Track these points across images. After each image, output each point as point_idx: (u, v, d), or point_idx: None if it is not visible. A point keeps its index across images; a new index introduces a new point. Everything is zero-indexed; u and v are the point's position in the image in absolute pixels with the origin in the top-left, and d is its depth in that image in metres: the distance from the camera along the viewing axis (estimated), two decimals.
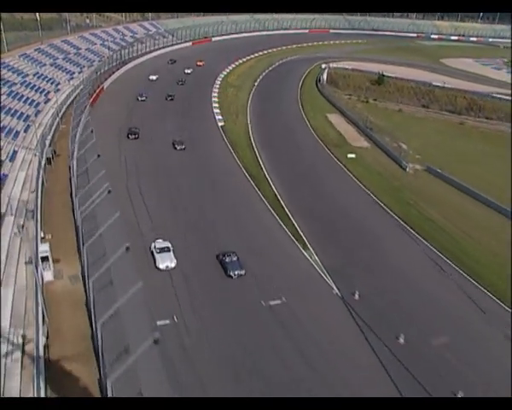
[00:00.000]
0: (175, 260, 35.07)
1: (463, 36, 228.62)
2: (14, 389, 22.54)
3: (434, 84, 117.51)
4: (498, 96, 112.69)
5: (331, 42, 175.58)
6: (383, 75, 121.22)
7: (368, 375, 27.72)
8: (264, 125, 73.86)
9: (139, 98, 78.44)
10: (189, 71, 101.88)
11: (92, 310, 26.36)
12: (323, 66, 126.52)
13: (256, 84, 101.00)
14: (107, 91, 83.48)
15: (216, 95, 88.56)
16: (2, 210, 36.51)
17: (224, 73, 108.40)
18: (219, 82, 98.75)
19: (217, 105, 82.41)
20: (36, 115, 60.52)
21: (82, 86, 71.31)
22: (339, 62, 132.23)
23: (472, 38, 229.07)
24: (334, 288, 35.02)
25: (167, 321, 29.53)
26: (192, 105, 79.36)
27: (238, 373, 26.65)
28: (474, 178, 58.97)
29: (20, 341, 25.54)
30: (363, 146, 70.71)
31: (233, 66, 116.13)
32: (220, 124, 72.37)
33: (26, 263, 32.29)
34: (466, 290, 37.07)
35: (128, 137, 61.49)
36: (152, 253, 35.81)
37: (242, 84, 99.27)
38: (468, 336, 32.05)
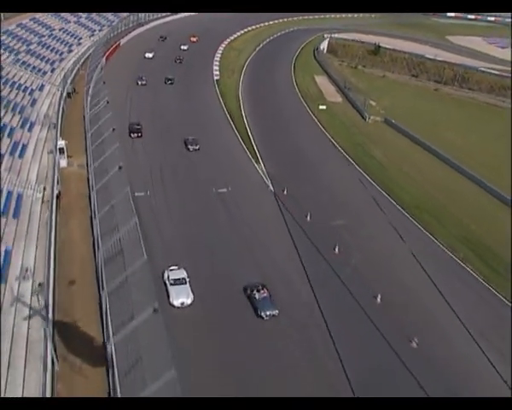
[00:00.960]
0: (191, 296, 30.83)
1: (481, 15, 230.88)
2: (34, 214, 35.73)
3: (426, 56, 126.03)
4: (486, 70, 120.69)
5: (343, 15, 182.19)
6: (379, 46, 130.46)
7: (278, 239, 39.87)
8: (254, 81, 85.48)
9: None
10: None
11: (91, 182, 39.43)
12: (326, 36, 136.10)
13: (257, 49, 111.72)
14: (123, 47, 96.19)
15: (219, 56, 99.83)
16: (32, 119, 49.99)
17: (232, 38, 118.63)
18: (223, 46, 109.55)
19: (217, 63, 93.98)
20: (60, 62, 73.74)
21: (99, 41, 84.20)
22: (343, 34, 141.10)
23: (490, 18, 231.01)
24: (270, 186, 47.42)
25: (142, 193, 42.41)
26: (195, 65, 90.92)
27: (184, 221, 39.56)
28: (422, 130, 69.65)
29: (42, 192, 38.90)
30: (336, 101, 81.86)
31: (239, 33, 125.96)
32: (216, 78, 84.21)
33: (48, 153, 45.71)
34: (377, 199, 48.60)
35: (137, 84, 74.24)
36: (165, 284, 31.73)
37: (245, 48, 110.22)
38: (361, 223, 44.00)
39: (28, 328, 24.72)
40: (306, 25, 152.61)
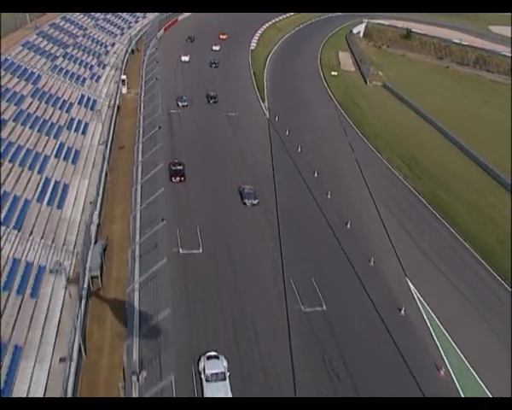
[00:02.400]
0: (230, 393, 25.70)
1: None
2: (103, 112, 56.13)
3: (453, 40, 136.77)
4: (507, 54, 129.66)
5: None
6: (411, 31, 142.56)
7: (262, 144, 57.46)
8: (283, 53, 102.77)
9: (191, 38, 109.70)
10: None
11: (141, 101, 59.55)
12: (364, 21, 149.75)
13: (296, 29, 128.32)
14: (180, 23, 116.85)
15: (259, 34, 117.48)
16: (105, 62, 71.04)
17: (277, 19, 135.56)
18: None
19: (256, 39, 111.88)
20: (128, 29, 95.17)
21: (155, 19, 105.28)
22: (382, 19, 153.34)
23: None
24: (267, 115, 65.25)
25: (174, 111, 61.83)
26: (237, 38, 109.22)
27: (200, 128, 58.35)
28: (414, 94, 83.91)
29: (108, 101, 59.29)
30: (349, 70, 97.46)
31: (284, 16, 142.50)
32: (251, 48, 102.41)
33: (114, 83, 66.39)
34: (346, 130, 64.80)
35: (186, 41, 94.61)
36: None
37: (285, 28, 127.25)
38: (326, 140, 60.69)
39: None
40: None
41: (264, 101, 71.20)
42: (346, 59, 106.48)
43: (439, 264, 39.42)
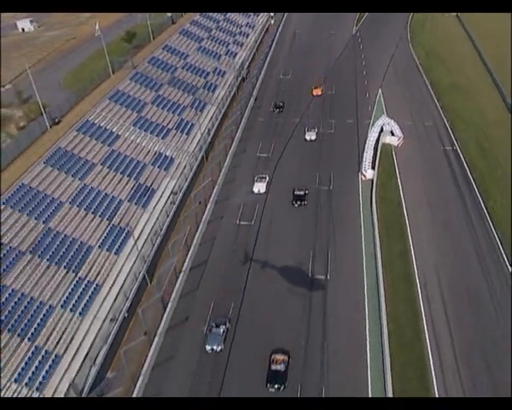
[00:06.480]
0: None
1: None
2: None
3: None
4: None
5: None
6: None
7: (342, 45, 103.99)
8: None
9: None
10: None
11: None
12: None
13: None
14: None
15: None
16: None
17: None
18: None
19: None
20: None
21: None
22: None
23: None
24: (353, 32, 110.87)
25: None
26: None
27: (308, 40, 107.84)
28: (480, 28, 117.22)
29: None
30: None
31: None
32: None
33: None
34: (401, 42, 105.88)
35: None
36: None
37: None
38: (382, 45, 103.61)
39: None
40: None
41: (355, 26, 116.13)
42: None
43: (404, 89, 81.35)
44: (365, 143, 62.95)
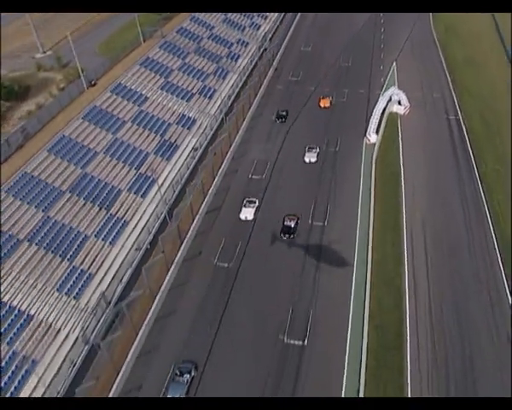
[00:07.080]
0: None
1: None
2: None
3: None
4: None
5: None
6: None
7: (360, 25, 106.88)
8: None
9: None
10: None
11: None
12: None
13: None
14: None
15: None
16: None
17: None
18: None
19: None
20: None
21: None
22: None
23: None
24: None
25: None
26: None
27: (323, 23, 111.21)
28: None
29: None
30: None
31: None
32: None
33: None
34: (422, 21, 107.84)
35: None
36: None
37: None
38: (401, 25, 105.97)
39: None
40: None
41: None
42: None
43: (418, 63, 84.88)
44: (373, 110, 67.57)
